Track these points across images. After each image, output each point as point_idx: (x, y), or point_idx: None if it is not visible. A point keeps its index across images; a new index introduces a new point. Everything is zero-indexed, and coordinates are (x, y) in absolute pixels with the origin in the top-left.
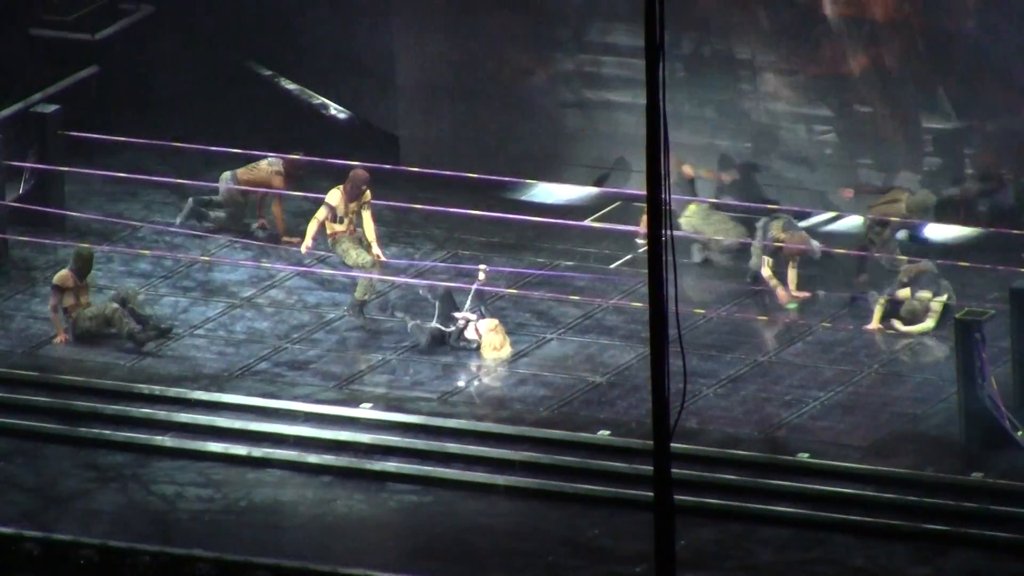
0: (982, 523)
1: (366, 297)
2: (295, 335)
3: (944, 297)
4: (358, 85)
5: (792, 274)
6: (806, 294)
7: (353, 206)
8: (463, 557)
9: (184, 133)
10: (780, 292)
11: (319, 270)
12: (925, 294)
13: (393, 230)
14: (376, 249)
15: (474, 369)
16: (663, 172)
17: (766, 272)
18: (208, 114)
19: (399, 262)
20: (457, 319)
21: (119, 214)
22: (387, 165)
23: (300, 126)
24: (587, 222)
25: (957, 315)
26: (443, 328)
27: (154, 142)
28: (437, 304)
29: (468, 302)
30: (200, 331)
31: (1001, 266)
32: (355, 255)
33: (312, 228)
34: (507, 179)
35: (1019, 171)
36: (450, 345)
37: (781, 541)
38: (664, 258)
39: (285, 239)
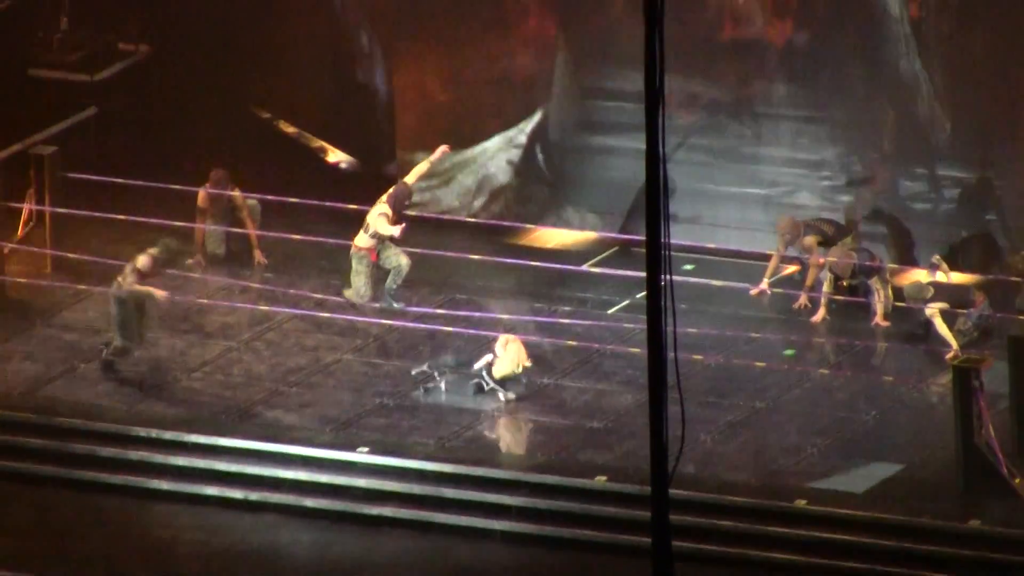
0: (980, 571)
1: (365, 298)
2: (292, 378)
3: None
4: (358, 130)
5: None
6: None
7: (395, 218)
8: None
9: (182, 176)
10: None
11: (316, 313)
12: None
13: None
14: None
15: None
16: (663, 215)
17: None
18: (207, 157)
19: (396, 306)
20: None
21: (116, 255)
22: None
23: (299, 170)
24: (586, 267)
25: (954, 362)
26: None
27: (152, 184)
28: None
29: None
30: (197, 374)
31: (1000, 313)
32: (361, 283)
33: (386, 230)
34: (507, 223)
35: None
36: (485, 389)
37: None
38: (663, 303)
39: (259, 260)
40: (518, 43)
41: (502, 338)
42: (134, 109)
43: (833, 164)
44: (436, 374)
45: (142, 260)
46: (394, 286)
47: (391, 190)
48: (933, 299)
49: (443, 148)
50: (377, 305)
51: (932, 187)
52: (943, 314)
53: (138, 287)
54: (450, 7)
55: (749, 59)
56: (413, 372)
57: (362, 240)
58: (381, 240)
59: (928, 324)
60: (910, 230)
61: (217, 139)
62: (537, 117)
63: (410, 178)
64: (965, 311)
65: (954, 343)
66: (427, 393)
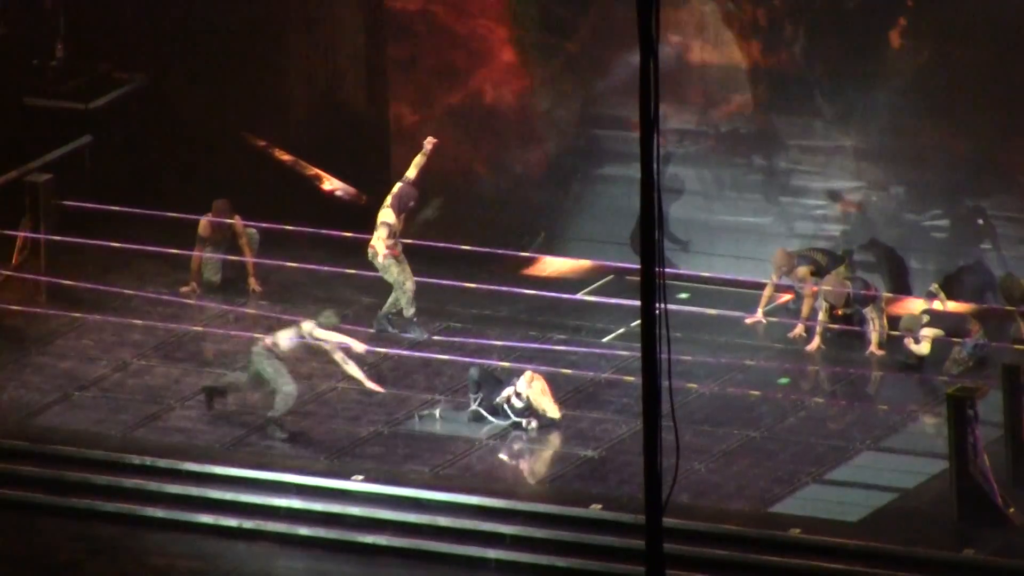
0: None
1: (411, 308)
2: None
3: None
4: (353, 159)
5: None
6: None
7: (400, 218)
8: None
9: (178, 204)
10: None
11: (312, 340)
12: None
13: (383, 301)
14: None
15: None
16: (657, 243)
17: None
18: (202, 185)
19: (392, 333)
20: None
21: (111, 283)
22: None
23: (295, 198)
24: (580, 295)
25: (949, 391)
26: (484, 412)
27: (147, 212)
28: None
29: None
30: (192, 402)
31: (994, 342)
32: (398, 275)
33: (382, 245)
34: (500, 251)
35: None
36: (498, 422)
37: None
38: (658, 332)
39: (254, 287)
40: (509, 73)
41: (527, 375)
42: (129, 137)
43: (826, 193)
44: (435, 406)
45: (321, 325)
46: (392, 311)
47: (395, 190)
48: (928, 326)
49: (431, 140)
50: (388, 330)
51: (926, 216)
52: (937, 342)
53: (330, 338)
54: (441, 40)
55: (740, 86)
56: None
57: (381, 245)
58: (397, 240)
59: (920, 359)
60: (904, 259)
61: (212, 167)
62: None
63: (411, 173)
64: (960, 340)
65: (916, 357)
66: (421, 420)
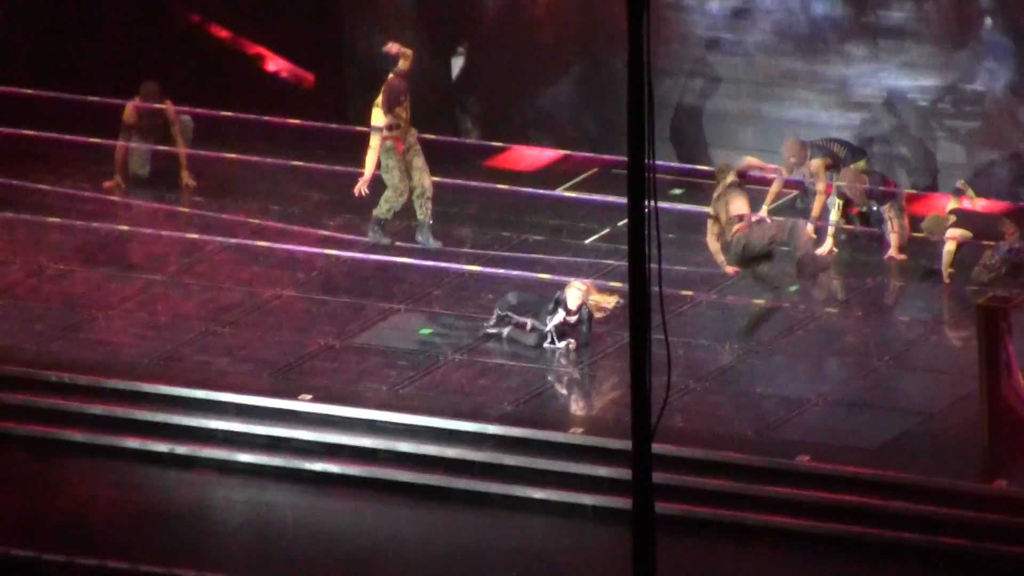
0: (1005, 538)
1: (387, 214)
2: (225, 316)
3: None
4: (301, 34)
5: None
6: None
7: (400, 111)
8: (414, 571)
9: (100, 88)
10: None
11: (252, 242)
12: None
13: (338, 198)
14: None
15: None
16: (647, 134)
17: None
18: (131, 66)
19: (344, 236)
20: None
21: (24, 176)
22: (332, 124)
23: (234, 80)
24: (560, 191)
25: (979, 301)
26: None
27: (65, 96)
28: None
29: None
30: (116, 311)
31: None
32: (397, 178)
33: (371, 161)
34: (468, 142)
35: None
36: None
37: (777, 556)
38: (647, 232)
39: (188, 182)
40: None
41: (576, 286)
42: (42, 11)
43: (846, 79)
44: (498, 320)
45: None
46: (427, 217)
47: (384, 84)
48: (955, 227)
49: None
50: (419, 243)
51: (956, 103)
52: (964, 245)
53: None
54: None
55: None
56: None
57: (384, 125)
58: (406, 132)
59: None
60: (931, 151)
61: (138, 46)
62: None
63: (402, 65)
64: (993, 244)
65: (945, 274)
66: (488, 339)
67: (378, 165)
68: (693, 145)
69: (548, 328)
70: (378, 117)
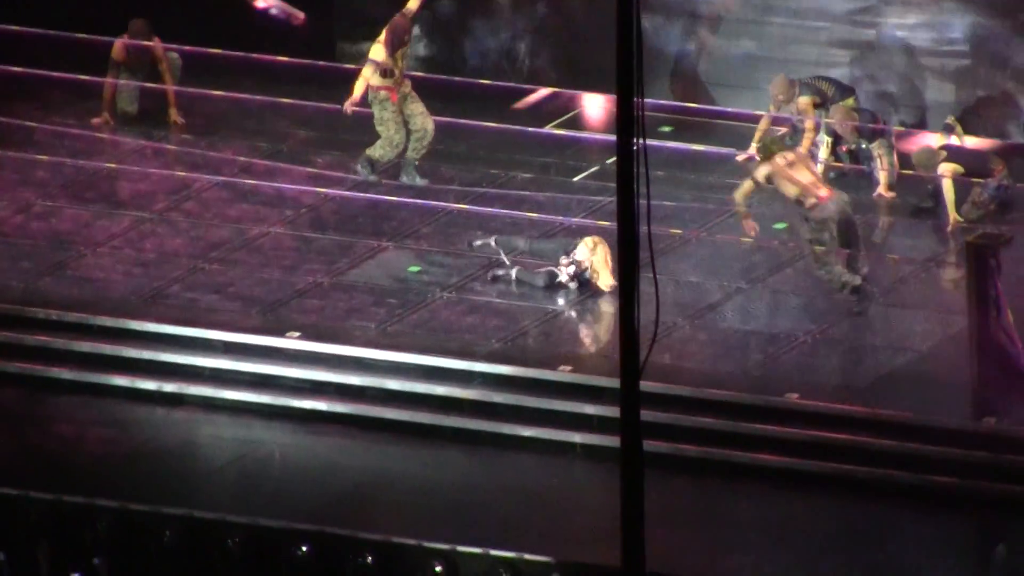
0: (994, 476)
1: (380, 159)
2: (213, 254)
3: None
4: None
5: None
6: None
7: (398, 56)
8: (401, 510)
9: (88, 25)
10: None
11: (241, 180)
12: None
13: (327, 135)
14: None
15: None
16: (636, 72)
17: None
18: (119, 3)
19: (333, 173)
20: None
21: (11, 113)
22: (320, 62)
23: (222, 17)
24: (547, 129)
25: (968, 238)
26: (554, 271)
27: (52, 32)
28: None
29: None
30: (104, 249)
31: (1019, 183)
32: (391, 130)
33: (360, 87)
34: (456, 79)
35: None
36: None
37: (765, 494)
38: (635, 170)
39: (175, 119)
40: None
41: (588, 241)
42: None
43: (834, 16)
44: (504, 259)
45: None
46: (417, 156)
47: (389, 23)
48: (945, 162)
49: None
50: (400, 181)
51: (943, 39)
52: (957, 182)
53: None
54: None
55: None
56: (476, 243)
57: (377, 79)
58: (400, 81)
59: (937, 192)
60: (919, 89)
61: None
62: None
63: (412, 4)
64: (982, 181)
65: (954, 214)
66: (495, 281)
67: (368, 106)
68: (681, 83)
69: (564, 274)
70: (377, 52)
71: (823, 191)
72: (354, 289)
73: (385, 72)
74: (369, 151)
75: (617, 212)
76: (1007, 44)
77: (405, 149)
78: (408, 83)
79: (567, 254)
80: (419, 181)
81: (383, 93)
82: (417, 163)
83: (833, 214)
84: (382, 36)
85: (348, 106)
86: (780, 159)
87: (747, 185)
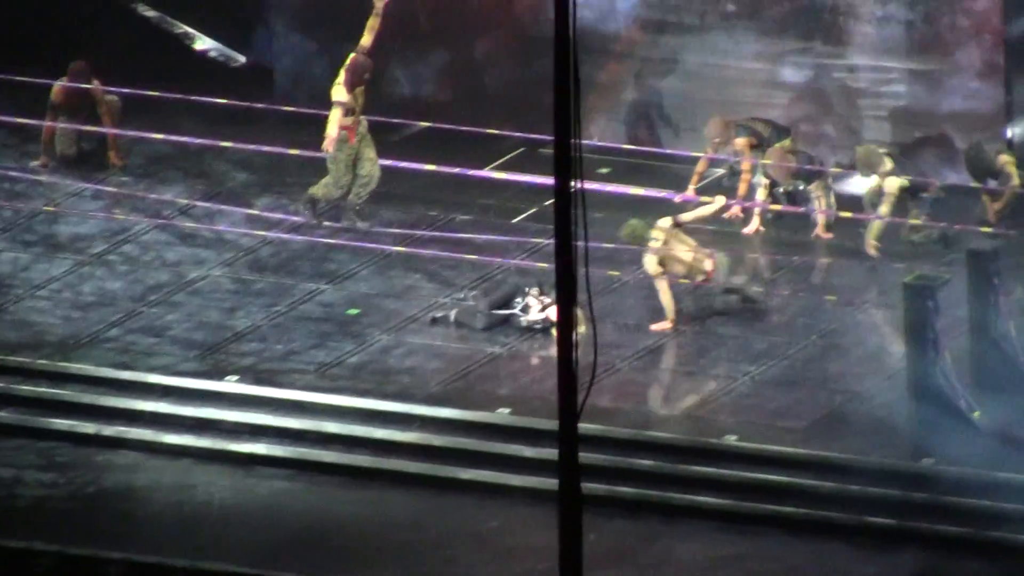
0: (933, 516)
1: (323, 198)
2: (152, 297)
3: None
4: (227, 13)
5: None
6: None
7: (358, 93)
8: (343, 552)
9: (28, 66)
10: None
11: (181, 223)
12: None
13: (266, 177)
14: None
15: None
16: (573, 113)
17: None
18: (56, 45)
19: (272, 215)
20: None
21: None
22: (259, 104)
23: (159, 59)
24: (487, 171)
25: (907, 279)
26: (502, 311)
27: None
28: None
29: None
30: (43, 292)
31: (958, 225)
32: (341, 171)
33: (333, 127)
34: (394, 120)
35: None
36: (517, 325)
37: (705, 535)
38: (573, 212)
39: (115, 161)
40: None
41: (533, 299)
42: None
43: (771, 56)
44: (450, 306)
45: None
46: (359, 201)
47: (347, 62)
48: (889, 174)
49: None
50: (341, 224)
51: (880, 80)
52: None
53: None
54: None
55: None
56: (437, 316)
57: (331, 127)
58: (357, 121)
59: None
60: (856, 129)
61: (66, 25)
62: None
63: (365, 41)
64: (923, 195)
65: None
66: (435, 323)
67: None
68: (619, 124)
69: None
70: (339, 93)
71: (707, 263)
72: (293, 332)
73: (348, 111)
74: (312, 189)
75: (555, 254)
76: (943, 85)
77: (348, 192)
78: (364, 123)
79: (540, 288)
80: (360, 224)
81: (343, 133)
82: (359, 207)
83: (723, 285)
84: (341, 77)
85: (328, 145)
86: (656, 243)
87: (651, 268)
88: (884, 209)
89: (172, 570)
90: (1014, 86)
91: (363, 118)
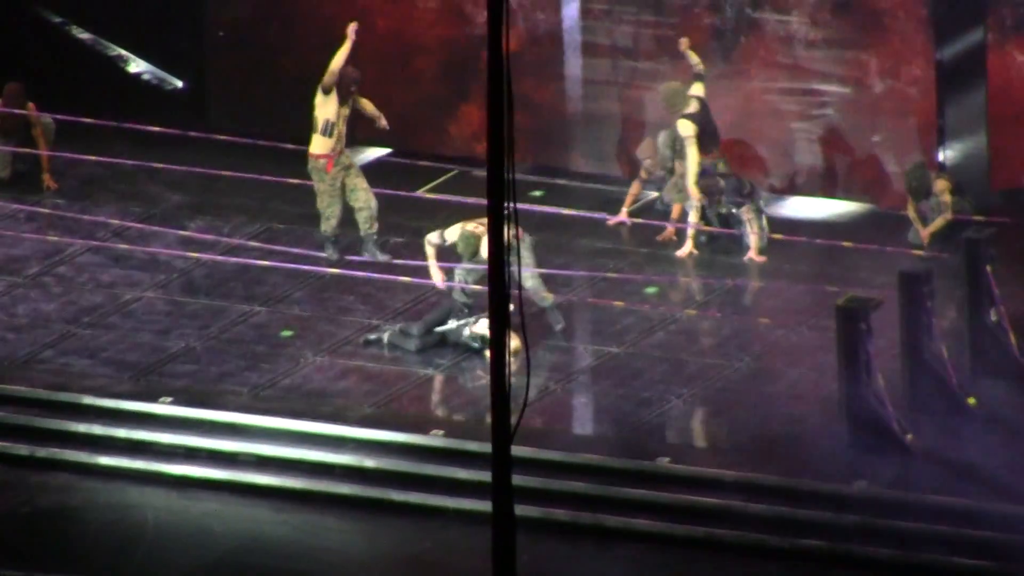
0: (866, 539)
1: (330, 233)
2: (86, 319)
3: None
4: (161, 36)
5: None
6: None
7: (344, 111)
8: (275, 574)
9: None
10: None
11: (113, 244)
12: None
13: (199, 200)
14: (382, 121)
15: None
16: (506, 137)
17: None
18: None
19: (205, 237)
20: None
21: None
22: (192, 132)
23: (93, 82)
24: (420, 193)
25: (839, 302)
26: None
27: None
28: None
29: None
30: None
31: (889, 247)
32: (326, 201)
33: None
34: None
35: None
36: (456, 340)
37: (637, 558)
38: (507, 235)
39: (48, 184)
40: None
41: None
42: None
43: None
44: (383, 328)
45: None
46: (371, 230)
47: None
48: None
49: (353, 25)
50: (363, 258)
51: (812, 103)
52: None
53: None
54: None
55: None
56: (371, 337)
57: (317, 144)
58: (341, 147)
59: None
60: (789, 152)
61: (0, 47)
62: None
63: (336, 63)
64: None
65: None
66: (368, 345)
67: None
68: (550, 146)
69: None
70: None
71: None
72: (226, 353)
73: (326, 128)
74: (321, 228)
75: (488, 275)
76: (874, 108)
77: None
78: (348, 154)
79: (472, 316)
80: (380, 256)
81: (321, 162)
82: (375, 237)
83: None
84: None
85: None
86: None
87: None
88: (689, 153)
89: None
90: (946, 109)
91: (347, 150)
